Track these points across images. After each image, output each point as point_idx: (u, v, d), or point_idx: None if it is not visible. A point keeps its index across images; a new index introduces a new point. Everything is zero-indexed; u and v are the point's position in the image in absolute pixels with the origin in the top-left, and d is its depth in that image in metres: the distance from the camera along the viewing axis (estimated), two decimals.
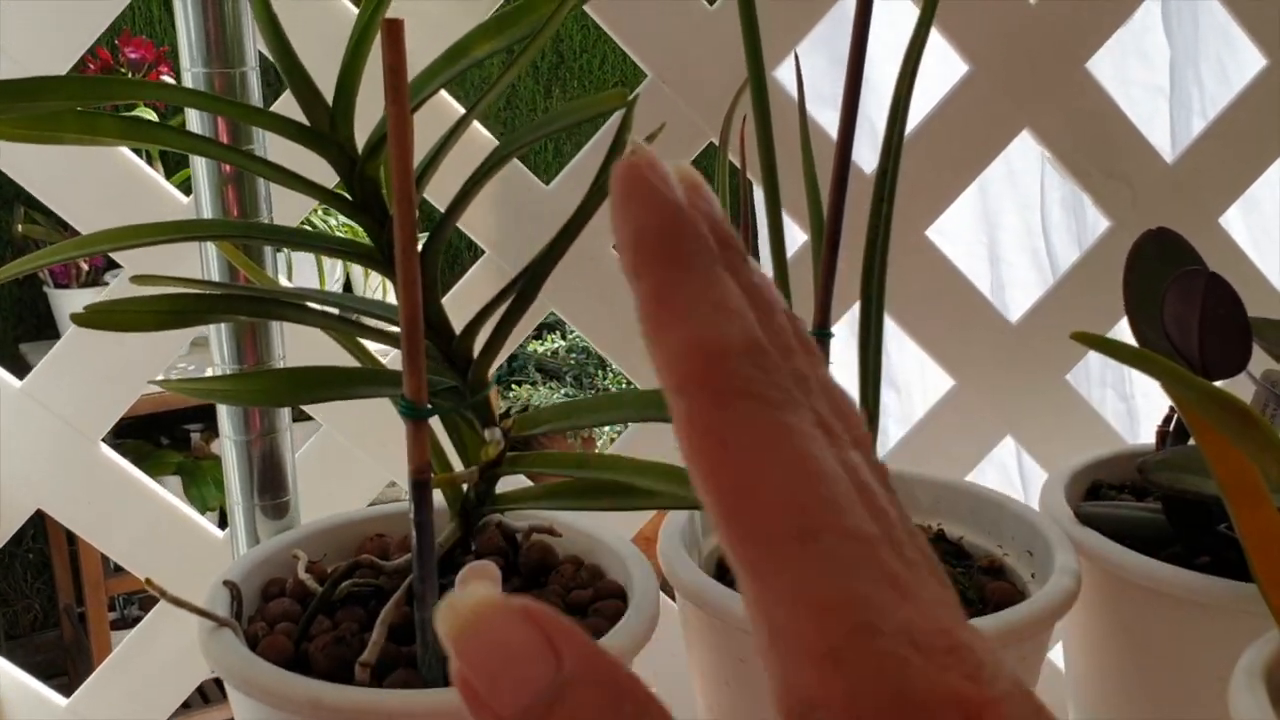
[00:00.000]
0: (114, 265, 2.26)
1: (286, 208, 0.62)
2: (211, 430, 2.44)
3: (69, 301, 2.21)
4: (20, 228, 2.22)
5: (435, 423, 0.50)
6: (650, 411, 0.49)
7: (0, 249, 2.35)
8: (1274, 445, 0.46)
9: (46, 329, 2.33)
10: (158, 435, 2.39)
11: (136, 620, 2.69)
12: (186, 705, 2.29)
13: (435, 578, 0.48)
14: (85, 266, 2.24)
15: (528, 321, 0.67)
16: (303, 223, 0.68)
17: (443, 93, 0.64)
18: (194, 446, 2.39)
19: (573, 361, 2.74)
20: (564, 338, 2.77)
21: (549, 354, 2.76)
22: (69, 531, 2.26)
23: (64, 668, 2.40)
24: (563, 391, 2.68)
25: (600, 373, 2.72)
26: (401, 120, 0.41)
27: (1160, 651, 0.59)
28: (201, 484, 2.28)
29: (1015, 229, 1.41)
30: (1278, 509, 0.49)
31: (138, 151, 0.71)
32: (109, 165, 0.63)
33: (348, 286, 2.29)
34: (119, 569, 2.39)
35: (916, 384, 1.47)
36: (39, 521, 2.39)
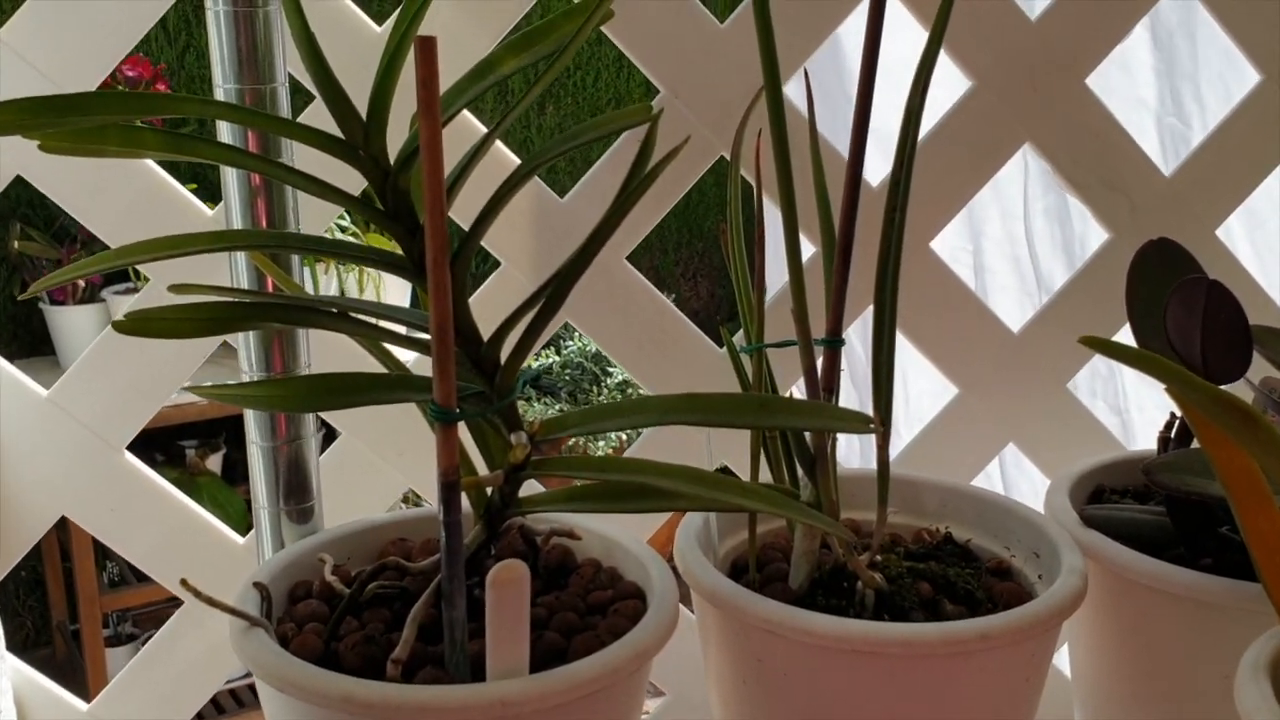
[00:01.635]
0: (110, 281, 2.26)
1: (308, 222, 0.63)
2: (207, 446, 2.44)
3: (65, 318, 2.21)
4: (16, 244, 2.22)
5: (460, 428, 0.51)
6: (672, 415, 0.50)
7: None
8: (1277, 446, 0.48)
9: (42, 345, 2.32)
10: (153, 451, 2.39)
11: (131, 637, 2.63)
12: None
13: (464, 578, 0.49)
14: (82, 284, 2.24)
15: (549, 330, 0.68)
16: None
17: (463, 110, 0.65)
18: (189, 462, 2.39)
19: (567, 377, 2.75)
20: (558, 353, 2.79)
21: (543, 370, 2.77)
22: (64, 548, 2.27)
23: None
24: (557, 407, 2.68)
25: (595, 389, 2.73)
26: (434, 134, 0.43)
27: (1165, 650, 0.60)
28: (197, 500, 2.28)
29: (998, 237, 1.44)
30: None
31: None
32: (137, 179, 0.64)
33: None
34: (114, 585, 2.38)
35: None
36: None
